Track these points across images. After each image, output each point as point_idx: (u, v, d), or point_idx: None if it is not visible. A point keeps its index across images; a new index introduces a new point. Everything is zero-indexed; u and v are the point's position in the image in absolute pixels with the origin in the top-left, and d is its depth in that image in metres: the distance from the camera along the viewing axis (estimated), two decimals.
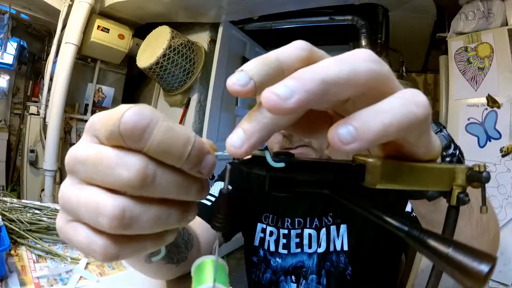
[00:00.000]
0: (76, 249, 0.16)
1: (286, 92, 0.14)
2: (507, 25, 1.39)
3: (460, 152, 0.29)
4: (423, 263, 1.34)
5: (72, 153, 0.18)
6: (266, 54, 0.17)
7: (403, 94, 0.16)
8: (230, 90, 0.16)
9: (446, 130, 0.32)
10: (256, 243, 0.68)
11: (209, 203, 0.64)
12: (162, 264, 0.47)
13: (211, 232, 0.59)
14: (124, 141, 0.15)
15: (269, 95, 0.14)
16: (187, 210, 0.19)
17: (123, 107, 0.16)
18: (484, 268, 0.13)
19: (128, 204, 0.16)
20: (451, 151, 0.29)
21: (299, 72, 0.15)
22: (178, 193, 0.17)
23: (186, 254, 0.50)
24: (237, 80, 0.15)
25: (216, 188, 0.67)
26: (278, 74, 0.16)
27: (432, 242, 0.15)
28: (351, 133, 0.14)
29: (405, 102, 0.16)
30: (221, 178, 0.71)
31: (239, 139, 0.16)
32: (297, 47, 0.17)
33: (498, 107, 1.37)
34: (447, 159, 0.28)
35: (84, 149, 0.17)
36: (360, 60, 0.16)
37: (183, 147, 0.16)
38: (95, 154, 0.16)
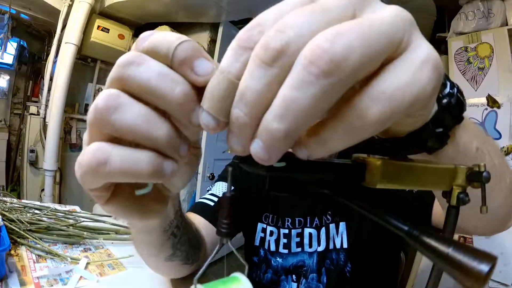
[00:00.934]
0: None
1: (265, 149, 0.14)
2: (507, 25, 1.39)
3: (459, 91, 0.24)
4: (423, 263, 1.35)
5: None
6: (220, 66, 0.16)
7: (415, 63, 0.14)
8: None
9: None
10: (257, 243, 0.68)
11: (211, 204, 0.64)
12: (180, 265, 0.47)
13: (211, 232, 0.59)
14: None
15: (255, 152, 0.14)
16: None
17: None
18: (484, 268, 0.13)
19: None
20: (447, 90, 0.24)
21: (281, 96, 0.13)
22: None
23: (199, 255, 0.51)
24: (207, 125, 0.16)
25: (218, 188, 0.67)
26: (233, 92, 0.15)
27: (432, 242, 0.15)
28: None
29: (415, 77, 0.14)
30: (222, 178, 0.71)
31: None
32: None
33: (498, 107, 1.37)
34: (444, 100, 0.23)
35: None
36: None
37: (172, 41, 0.17)
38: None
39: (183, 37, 0.17)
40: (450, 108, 0.23)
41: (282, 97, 0.13)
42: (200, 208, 0.63)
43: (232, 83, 0.15)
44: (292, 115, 0.13)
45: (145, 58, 0.18)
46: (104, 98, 0.18)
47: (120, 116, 0.17)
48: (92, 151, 0.18)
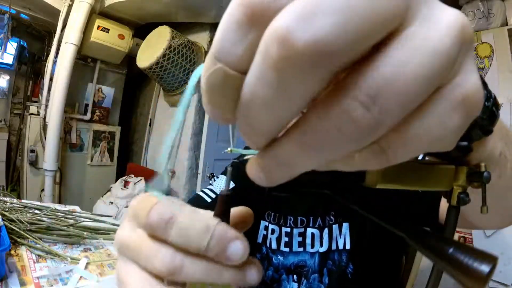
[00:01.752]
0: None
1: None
2: (507, 25, 1.39)
3: (495, 103, 0.21)
4: (423, 263, 1.34)
5: (119, 236, 0.21)
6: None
7: (453, 104, 0.12)
8: None
9: None
10: (259, 240, 0.68)
11: (208, 200, 0.64)
12: None
13: None
14: (154, 232, 0.18)
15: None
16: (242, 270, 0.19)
17: (152, 200, 0.19)
18: (485, 268, 0.13)
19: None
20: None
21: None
22: (209, 278, 0.18)
23: None
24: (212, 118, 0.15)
25: (219, 183, 0.67)
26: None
27: (433, 242, 0.15)
28: None
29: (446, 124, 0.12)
30: (225, 173, 0.72)
31: None
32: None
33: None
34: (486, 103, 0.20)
35: (128, 235, 0.20)
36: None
37: (201, 235, 0.17)
38: (136, 242, 0.20)
39: (210, 227, 0.18)
40: (481, 123, 0.21)
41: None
42: (197, 203, 0.63)
43: (231, 77, 0.12)
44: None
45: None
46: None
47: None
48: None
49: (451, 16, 0.12)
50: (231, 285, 0.19)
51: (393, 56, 0.11)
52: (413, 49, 0.11)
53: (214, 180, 0.72)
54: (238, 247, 0.18)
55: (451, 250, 0.14)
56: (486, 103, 0.21)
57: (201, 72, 0.13)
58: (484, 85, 0.20)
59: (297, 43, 0.10)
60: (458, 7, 1.53)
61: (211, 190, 0.66)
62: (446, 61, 0.11)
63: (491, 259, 0.13)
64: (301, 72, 0.10)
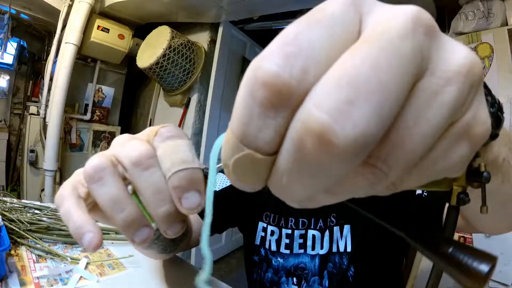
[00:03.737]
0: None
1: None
2: (507, 25, 1.39)
3: (499, 108, 0.21)
4: (423, 263, 1.34)
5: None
6: None
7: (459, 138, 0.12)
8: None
9: None
10: (257, 242, 0.68)
11: None
12: (156, 253, 0.48)
13: (202, 222, 0.59)
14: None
15: None
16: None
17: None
18: (484, 268, 0.13)
19: None
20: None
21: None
22: (154, 200, 0.21)
23: (179, 245, 0.51)
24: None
25: (218, 179, 0.67)
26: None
27: (432, 242, 0.15)
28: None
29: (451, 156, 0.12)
30: (222, 171, 0.71)
31: None
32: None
33: None
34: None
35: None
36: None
37: (173, 164, 0.20)
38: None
39: (189, 161, 0.20)
40: None
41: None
42: None
43: (260, 160, 0.11)
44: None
45: (153, 164, 0.21)
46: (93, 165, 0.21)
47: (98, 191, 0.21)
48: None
49: (459, 60, 0.11)
50: (154, 221, 0.21)
51: (402, 121, 0.10)
52: (421, 109, 0.11)
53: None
54: (196, 198, 0.20)
55: (450, 250, 0.14)
56: (491, 109, 0.21)
57: (221, 144, 0.13)
58: (488, 91, 0.20)
59: (336, 140, 0.09)
60: (458, 7, 1.53)
61: None
62: (454, 109, 0.11)
63: (491, 259, 0.13)
64: (339, 163, 0.10)
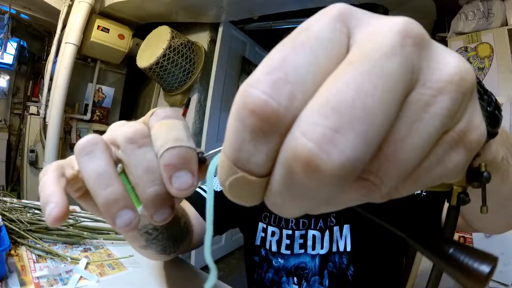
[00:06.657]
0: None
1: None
2: (507, 25, 1.39)
3: (497, 107, 0.20)
4: (423, 263, 1.34)
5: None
6: None
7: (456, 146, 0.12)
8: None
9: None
10: (258, 242, 0.68)
11: (204, 194, 0.63)
12: (156, 253, 0.48)
13: (203, 223, 0.59)
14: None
15: None
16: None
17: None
18: (485, 268, 0.13)
19: None
20: (483, 111, 0.19)
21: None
22: (141, 180, 0.20)
23: (180, 246, 0.52)
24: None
25: (217, 180, 0.66)
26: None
27: (433, 242, 0.15)
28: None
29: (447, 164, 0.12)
30: None
31: None
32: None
33: None
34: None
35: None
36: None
37: (166, 141, 0.20)
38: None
39: (183, 140, 0.19)
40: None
41: None
42: (194, 198, 0.63)
43: (254, 181, 0.12)
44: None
45: (147, 143, 0.20)
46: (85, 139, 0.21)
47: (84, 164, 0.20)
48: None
49: (450, 69, 0.11)
50: (140, 203, 0.20)
51: (393, 134, 0.11)
52: (413, 121, 0.11)
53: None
54: (188, 178, 0.19)
55: (451, 250, 0.14)
56: (488, 108, 0.20)
57: (216, 164, 0.14)
58: (484, 90, 0.20)
59: (324, 166, 0.09)
60: (458, 7, 1.53)
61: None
62: (447, 120, 0.11)
63: (491, 260, 0.13)
64: (328, 187, 0.10)
